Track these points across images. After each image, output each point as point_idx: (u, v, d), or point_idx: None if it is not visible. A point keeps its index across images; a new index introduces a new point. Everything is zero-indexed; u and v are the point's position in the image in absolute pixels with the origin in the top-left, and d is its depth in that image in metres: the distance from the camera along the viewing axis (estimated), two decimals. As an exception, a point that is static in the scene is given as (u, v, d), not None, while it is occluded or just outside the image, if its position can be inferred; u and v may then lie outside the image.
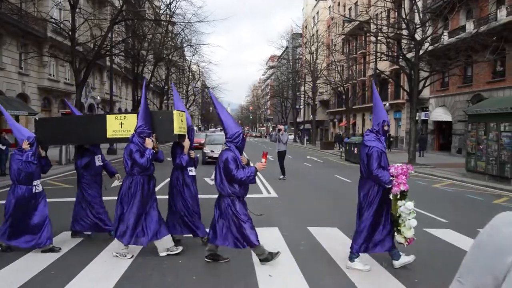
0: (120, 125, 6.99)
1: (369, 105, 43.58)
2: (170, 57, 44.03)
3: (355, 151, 24.83)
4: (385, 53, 27.12)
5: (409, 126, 25.51)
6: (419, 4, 24.85)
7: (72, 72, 24.14)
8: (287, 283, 5.49)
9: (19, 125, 7.13)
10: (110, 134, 7.04)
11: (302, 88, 61.47)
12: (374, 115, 6.38)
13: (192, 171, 7.34)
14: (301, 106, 70.05)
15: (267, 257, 6.05)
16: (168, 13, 35.63)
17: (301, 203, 11.37)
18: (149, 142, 6.43)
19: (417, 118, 27.40)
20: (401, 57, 24.74)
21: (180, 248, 6.58)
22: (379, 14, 28.24)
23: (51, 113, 31.63)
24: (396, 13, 28.35)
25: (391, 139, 35.72)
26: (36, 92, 29.14)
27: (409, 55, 25.28)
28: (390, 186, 5.81)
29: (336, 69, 47.62)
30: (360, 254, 5.97)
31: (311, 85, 52.31)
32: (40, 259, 6.33)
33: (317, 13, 68.61)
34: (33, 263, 6.16)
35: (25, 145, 6.72)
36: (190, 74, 64.03)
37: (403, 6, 23.28)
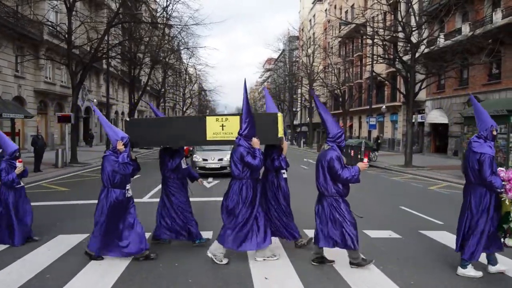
0: (222, 127, 6.81)
1: (365, 107, 43.65)
2: (167, 60, 44.02)
3: (352, 153, 24.87)
4: (382, 55, 27.19)
5: (406, 128, 25.56)
6: (415, 7, 24.92)
7: (69, 75, 24.09)
8: (283, 286, 5.48)
9: (113, 126, 6.80)
10: (210, 136, 6.83)
11: (299, 90, 61.54)
12: (481, 121, 6.36)
13: (285, 174, 7.31)
14: (298, 109, 70.14)
15: (360, 263, 6.06)
16: (165, 16, 35.58)
17: (298, 205, 11.34)
18: (256, 142, 6.35)
19: (413, 120, 27.45)
20: (397, 59, 24.80)
21: (278, 256, 6.56)
22: (375, 17, 28.30)
23: (48, 116, 31.57)
24: (392, 16, 28.43)
25: (379, 141, 35.66)
26: (32, 95, 29.08)
27: (405, 58, 25.35)
28: (502, 191, 5.76)
29: (333, 71, 47.69)
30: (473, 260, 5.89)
31: (308, 87, 52.36)
32: (36, 262, 6.30)
33: (314, 16, 68.75)
34: (30, 266, 6.14)
35: (120, 146, 6.43)
36: (187, 77, 64.01)
37: (399, 9, 23.39)
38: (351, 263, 6.10)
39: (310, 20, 70.89)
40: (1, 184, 7.41)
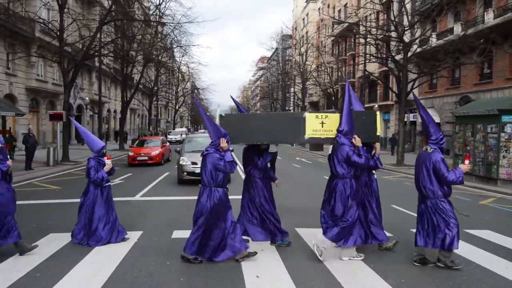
0: (321, 125, 6.71)
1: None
2: (159, 58, 43.93)
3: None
4: (374, 55, 27.27)
5: (398, 127, 25.67)
6: (408, 6, 25.03)
7: (61, 72, 23.94)
8: (274, 284, 5.50)
9: (214, 124, 6.61)
10: (309, 133, 6.71)
11: (292, 89, 61.59)
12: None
13: (375, 174, 7.21)
14: (291, 107, 70.19)
15: (448, 264, 6.11)
16: (158, 14, 35.52)
17: (290, 204, 11.38)
18: (359, 140, 6.34)
19: (405, 119, 27.58)
20: (390, 59, 24.88)
21: (362, 256, 6.54)
22: (368, 16, 28.41)
23: (39, 114, 31.36)
24: (385, 15, 28.53)
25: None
26: (24, 93, 28.87)
27: (397, 57, 25.44)
28: None
29: (326, 70, 47.78)
30: None
31: (301, 86, 52.43)
32: (27, 260, 6.26)
33: (307, 14, 68.82)
34: (20, 264, 6.11)
35: (223, 143, 6.23)
36: (180, 75, 63.91)
37: (392, 9, 23.48)
38: (439, 261, 6.16)
39: (303, 19, 70.95)
40: (90, 182, 7.32)
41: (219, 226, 6.17)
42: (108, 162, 7.38)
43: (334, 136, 6.55)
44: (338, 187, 6.37)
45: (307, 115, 6.80)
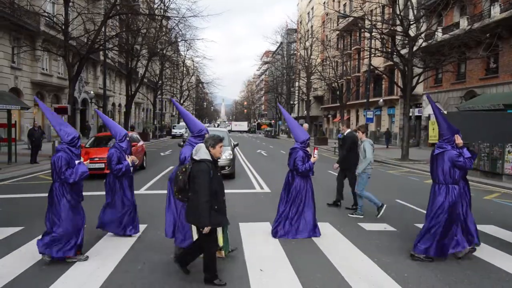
0: None
1: (362, 101, 43.64)
2: (164, 52, 43.92)
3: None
4: (379, 49, 27.15)
5: (403, 122, 25.60)
6: (414, 0, 24.88)
7: (65, 66, 24.00)
8: (277, 277, 5.52)
9: (447, 121, 6.39)
10: None
11: (297, 83, 61.49)
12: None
13: None
14: (296, 102, 70.10)
15: None
16: (162, 7, 35.48)
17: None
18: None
19: (410, 114, 27.49)
20: (395, 53, 24.80)
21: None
22: (373, 10, 28.27)
23: (44, 107, 31.43)
24: (391, 9, 28.37)
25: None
26: (29, 87, 28.98)
27: (403, 51, 25.33)
28: None
29: (331, 65, 47.63)
30: None
31: (306, 80, 52.30)
32: (32, 253, 6.29)
33: (312, 8, 68.55)
34: (25, 257, 6.16)
35: (459, 140, 6.15)
36: (185, 69, 63.90)
37: (397, 2, 23.31)
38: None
39: (308, 13, 70.68)
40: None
41: (455, 223, 6.22)
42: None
43: None
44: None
45: None
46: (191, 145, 6.10)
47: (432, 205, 6.23)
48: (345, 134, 10.39)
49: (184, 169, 5.22)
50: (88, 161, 6.81)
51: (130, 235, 7.19)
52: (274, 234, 7.29)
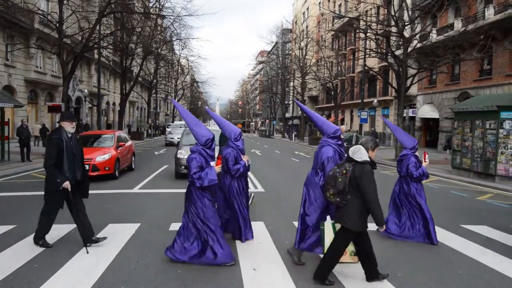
0: None
1: (357, 101, 43.76)
2: (159, 50, 43.84)
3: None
4: (374, 50, 27.24)
5: (397, 122, 25.68)
6: (408, 1, 24.98)
7: (59, 64, 23.88)
8: (271, 277, 5.52)
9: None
10: None
11: (291, 83, 61.51)
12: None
13: None
14: (290, 102, 70.15)
15: None
16: (158, 6, 35.41)
17: (288, 198, 11.42)
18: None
19: (404, 115, 27.58)
20: (389, 54, 24.87)
21: None
22: (368, 11, 28.32)
23: (38, 105, 31.31)
24: (386, 10, 28.46)
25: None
26: (23, 84, 28.81)
27: (397, 52, 25.42)
28: None
29: (325, 65, 47.71)
30: None
31: (300, 80, 52.36)
32: (25, 251, 6.28)
33: (307, 8, 68.63)
34: (18, 255, 6.13)
35: None
36: (179, 68, 63.81)
37: (392, 3, 23.41)
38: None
39: (303, 13, 70.76)
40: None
41: None
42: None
43: None
44: None
45: None
46: (331, 146, 6.09)
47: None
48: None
49: (344, 171, 5.14)
50: (220, 166, 6.38)
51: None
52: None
